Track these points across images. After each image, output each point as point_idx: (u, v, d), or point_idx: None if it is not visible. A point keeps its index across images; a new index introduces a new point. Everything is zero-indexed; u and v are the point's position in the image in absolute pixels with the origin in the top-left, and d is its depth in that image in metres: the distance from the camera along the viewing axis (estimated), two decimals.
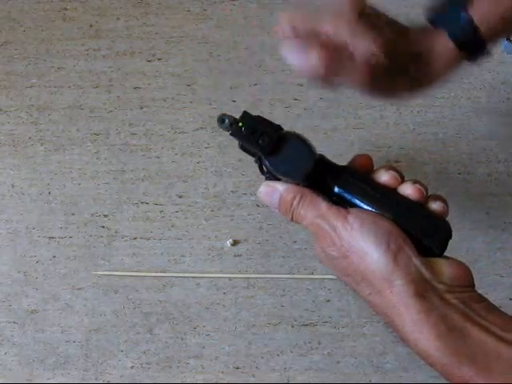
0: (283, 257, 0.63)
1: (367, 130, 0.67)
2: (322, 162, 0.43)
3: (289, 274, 0.62)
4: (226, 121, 0.42)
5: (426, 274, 0.38)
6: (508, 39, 0.69)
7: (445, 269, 0.39)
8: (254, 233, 0.64)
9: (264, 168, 0.43)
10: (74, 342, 0.60)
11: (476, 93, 0.69)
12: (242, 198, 0.65)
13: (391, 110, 0.68)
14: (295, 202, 0.42)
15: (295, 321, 0.60)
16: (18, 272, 0.62)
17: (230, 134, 0.42)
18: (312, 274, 0.62)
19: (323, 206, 0.41)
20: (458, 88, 0.69)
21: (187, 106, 0.68)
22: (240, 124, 0.42)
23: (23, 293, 0.61)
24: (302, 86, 0.69)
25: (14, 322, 0.61)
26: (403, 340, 0.38)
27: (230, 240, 0.63)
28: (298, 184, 0.43)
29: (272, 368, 0.59)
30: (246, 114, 0.42)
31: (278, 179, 0.43)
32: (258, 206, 0.64)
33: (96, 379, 0.59)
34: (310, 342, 0.60)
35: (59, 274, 0.62)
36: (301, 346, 0.60)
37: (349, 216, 0.40)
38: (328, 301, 0.61)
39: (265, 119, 0.43)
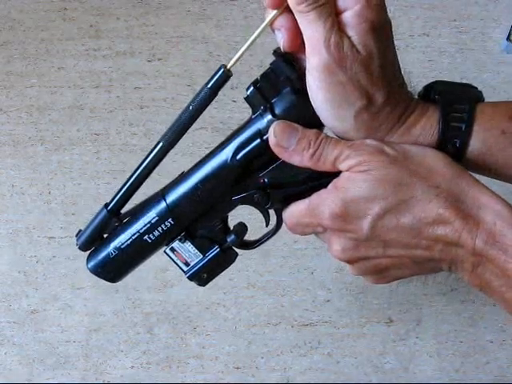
0: (283, 257, 0.62)
1: None
2: None
3: (289, 273, 0.62)
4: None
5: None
6: (508, 39, 0.69)
7: None
8: (254, 233, 0.63)
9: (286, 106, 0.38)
10: (74, 341, 0.60)
11: None
12: None
13: None
14: (321, 140, 0.36)
15: (295, 321, 0.60)
16: (18, 272, 0.62)
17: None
18: (312, 273, 0.62)
19: (353, 141, 0.36)
20: None
21: None
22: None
23: (23, 293, 0.61)
24: None
25: (14, 322, 0.61)
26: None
27: None
28: None
29: (272, 368, 0.59)
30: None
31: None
32: None
33: (96, 379, 0.59)
34: (310, 342, 0.60)
35: (59, 273, 0.62)
36: (301, 346, 0.60)
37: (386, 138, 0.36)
38: (328, 301, 0.61)
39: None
